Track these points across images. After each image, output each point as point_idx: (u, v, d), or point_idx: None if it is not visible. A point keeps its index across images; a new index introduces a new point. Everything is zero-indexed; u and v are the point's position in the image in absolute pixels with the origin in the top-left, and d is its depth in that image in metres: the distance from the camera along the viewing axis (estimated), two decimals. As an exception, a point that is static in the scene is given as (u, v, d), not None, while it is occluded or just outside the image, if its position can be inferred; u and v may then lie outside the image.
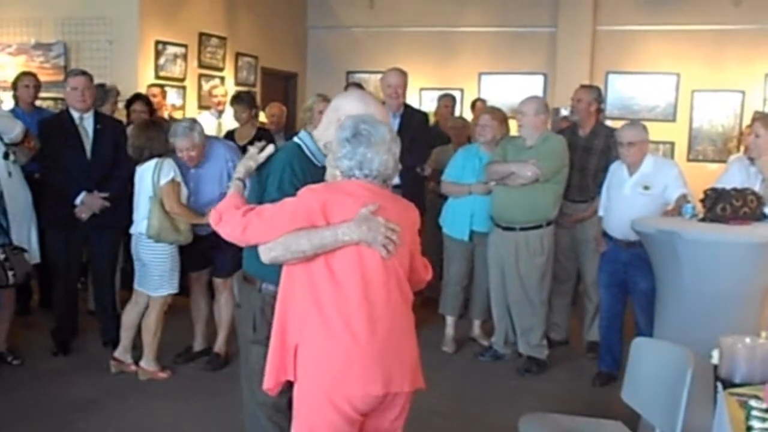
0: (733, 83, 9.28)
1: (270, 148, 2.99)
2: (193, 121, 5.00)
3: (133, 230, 4.88)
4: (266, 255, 2.52)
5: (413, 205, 2.70)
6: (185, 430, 4.22)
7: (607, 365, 5.04)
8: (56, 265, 5.33)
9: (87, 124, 5.25)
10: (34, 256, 5.14)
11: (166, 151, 4.79)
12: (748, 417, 2.20)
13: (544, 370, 5.28)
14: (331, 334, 2.44)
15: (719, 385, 2.58)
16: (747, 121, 7.27)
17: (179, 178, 4.77)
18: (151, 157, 4.76)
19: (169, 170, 4.72)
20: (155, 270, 4.78)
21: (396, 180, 2.90)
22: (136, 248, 4.86)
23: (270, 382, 2.57)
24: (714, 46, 9.34)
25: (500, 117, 5.68)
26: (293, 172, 2.87)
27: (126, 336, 4.97)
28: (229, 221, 2.63)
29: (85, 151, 5.22)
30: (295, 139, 3.05)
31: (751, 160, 4.43)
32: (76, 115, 5.22)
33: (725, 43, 9.30)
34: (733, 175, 4.46)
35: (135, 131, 4.97)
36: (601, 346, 5.14)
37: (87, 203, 5.17)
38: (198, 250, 4.90)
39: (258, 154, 2.97)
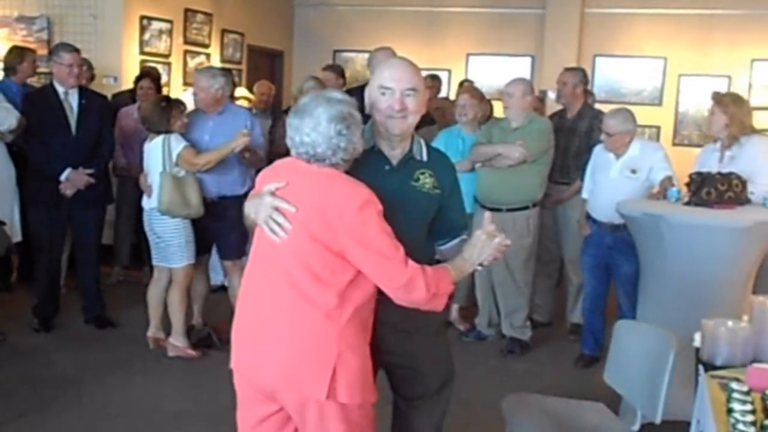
0: (719, 68, 9.27)
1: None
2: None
3: (145, 205, 4.91)
4: None
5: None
6: (167, 408, 4.21)
7: (590, 347, 5.07)
8: (39, 242, 5.28)
9: (72, 99, 5.17)
10: (15, 234, 5.09)
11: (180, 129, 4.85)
12: (729, 399, 2.21)
13: (527, 352, 5.31)
14: (239, 306, 2.46)
15: (701, 368, 2.59)
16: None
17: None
18: (162, 132, 4.76)
19: (178, 141, 4.77)
20: (172, 242, 4.82)
21: None
22: (149, 222, 4.88)
23: None
24: (701, 31, 9.32)
25: (479, 95, 5.69)
26: None
27: (154, 315, 5.01)
28: None
29: (70, 127, 5.15)
30: None
31: (719, 141, 4.49)
32: (60, 89, 5.14)
33: (712, 27, 9.29)
34: (706, 160, 4.52)
35: (159, 107, 4.84)
36: (584, 328, 5.17)
37: (72, 180, 5.11)
38: (199, 233, 4.90)
39: None
